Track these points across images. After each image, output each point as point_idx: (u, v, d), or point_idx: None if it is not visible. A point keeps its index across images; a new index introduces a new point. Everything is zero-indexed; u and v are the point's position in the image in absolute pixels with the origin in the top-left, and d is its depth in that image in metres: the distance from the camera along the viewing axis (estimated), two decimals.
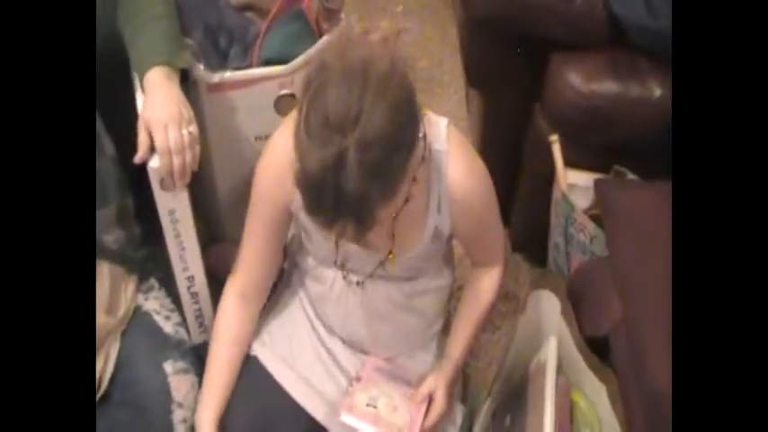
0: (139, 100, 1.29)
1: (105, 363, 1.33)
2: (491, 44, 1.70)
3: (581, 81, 1.55)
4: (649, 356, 1.16)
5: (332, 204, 0.99)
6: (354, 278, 1.34)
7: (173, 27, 1.37)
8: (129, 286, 1.39)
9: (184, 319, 1.45)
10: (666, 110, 1.52)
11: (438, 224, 1.27)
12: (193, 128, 1.26)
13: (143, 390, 1.32)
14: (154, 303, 1.42)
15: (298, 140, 1.01)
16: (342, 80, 0.98)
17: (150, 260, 1.44)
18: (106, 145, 1.32)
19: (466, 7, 1.75)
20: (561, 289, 1.43)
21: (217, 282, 1.43)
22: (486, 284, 1.40)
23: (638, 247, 1.32)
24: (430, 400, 1.36)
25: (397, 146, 1.01)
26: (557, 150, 1.59)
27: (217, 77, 1.47)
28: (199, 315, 1.46)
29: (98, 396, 1.31)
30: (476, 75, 1.87)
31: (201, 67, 1.46)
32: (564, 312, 1.40)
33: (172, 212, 1.30)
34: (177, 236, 1.34)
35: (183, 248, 1.36)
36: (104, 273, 1.32)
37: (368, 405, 1.35)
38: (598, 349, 1.34)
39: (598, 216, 1.48)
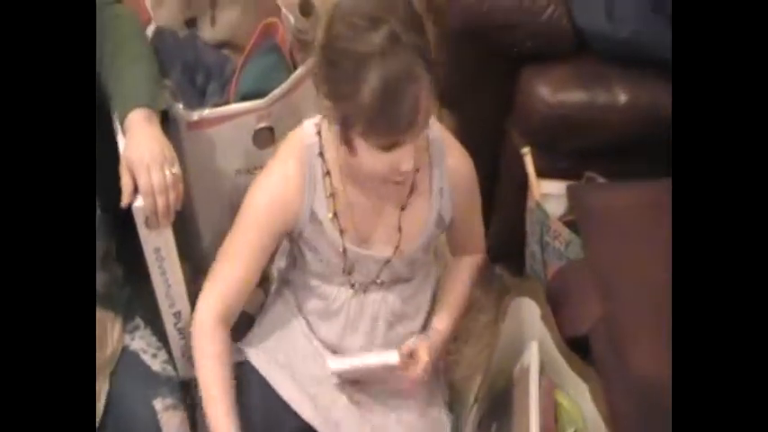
0: (121, 142, 1.29)
1: (96, 402, 1.32)
2: (463, 59, 1.75)
3: (549, 92, 1.60)
4: (631, 348, 1.19)
5: (412, 102, 1.08)
6: (359, 283, 1.39)
7: (152, 68, 1.37)
8: (116, 327, 1.39)
9: (171, 356, 1.44)
10: (632, 115, 1.57)
11: (440, 209, 1.35)
12: (176, 168, 1.26)
13: (134, 428, 1.33)
14: (140, 342, 1.41)
15: (342, 73, 1.11)
16: None
17: (134, 300, 1.44)
18: None
19: (437, 22, 1.78)
20: (540, 294, 1.46)
21: None
22: (473, 269, 1.50)
23: (614, 245, 1.36)
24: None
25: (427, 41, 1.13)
26: (529, 162, 1.62)
27: (196, 115, 1.48)
28: (186, 351, 1.43)
29: None
30: (448, 91, 1.90)
31: (180, 106, 1.47)
32: (544, 317, 1.42)
33: (157, 251, 1.29)
34: (163, 273, 1.33)
35: (169, 285, 1.35)
36: None
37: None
38: (578, 350, 1.36)
39: (572, 222, 1.52)
